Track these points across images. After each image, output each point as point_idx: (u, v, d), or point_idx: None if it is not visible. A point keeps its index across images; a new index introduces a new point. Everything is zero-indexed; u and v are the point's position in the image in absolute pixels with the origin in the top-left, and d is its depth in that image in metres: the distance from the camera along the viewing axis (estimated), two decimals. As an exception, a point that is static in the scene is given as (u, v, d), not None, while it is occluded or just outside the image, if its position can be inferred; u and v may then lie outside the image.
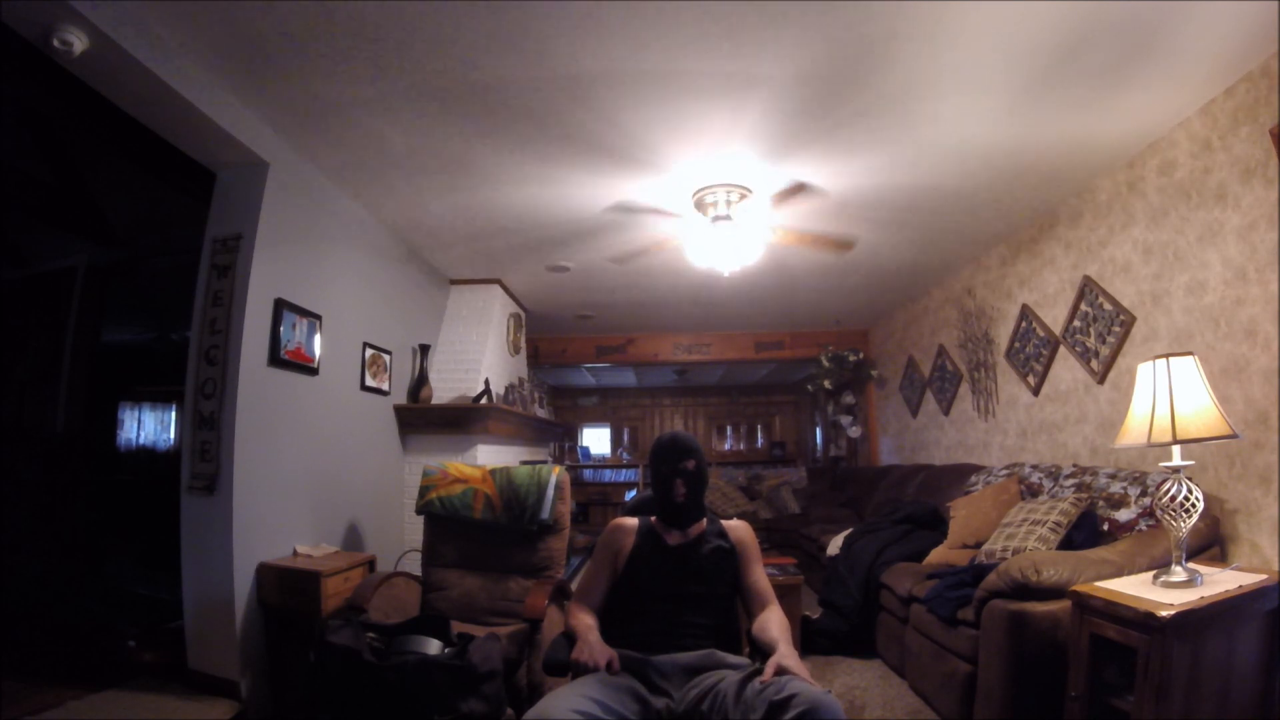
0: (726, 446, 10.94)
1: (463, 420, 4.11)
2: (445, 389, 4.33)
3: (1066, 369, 3.53)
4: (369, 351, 3.62)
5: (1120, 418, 2.34)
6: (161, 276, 4.10)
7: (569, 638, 1.66)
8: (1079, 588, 1.97)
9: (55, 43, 1.86)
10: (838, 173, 3.11)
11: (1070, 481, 2.99)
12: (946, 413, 5.05)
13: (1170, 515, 1.93)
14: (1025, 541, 2.62)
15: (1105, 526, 2.63)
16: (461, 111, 2.54)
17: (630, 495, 10.04)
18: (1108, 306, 3.15)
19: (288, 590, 2.55)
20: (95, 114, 2.41)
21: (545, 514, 2.82)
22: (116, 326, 4.83)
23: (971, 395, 4.63)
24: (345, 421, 3.38)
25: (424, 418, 4.08)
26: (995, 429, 4.31)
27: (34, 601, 3.46)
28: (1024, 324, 3.92)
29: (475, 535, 2.90)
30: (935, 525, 3.79)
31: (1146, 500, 2.51)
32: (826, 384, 6.72)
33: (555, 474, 2.91)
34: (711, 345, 7.04)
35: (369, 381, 3.62)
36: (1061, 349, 3.56)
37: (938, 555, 3.25)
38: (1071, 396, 3.48)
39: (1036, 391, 3.80)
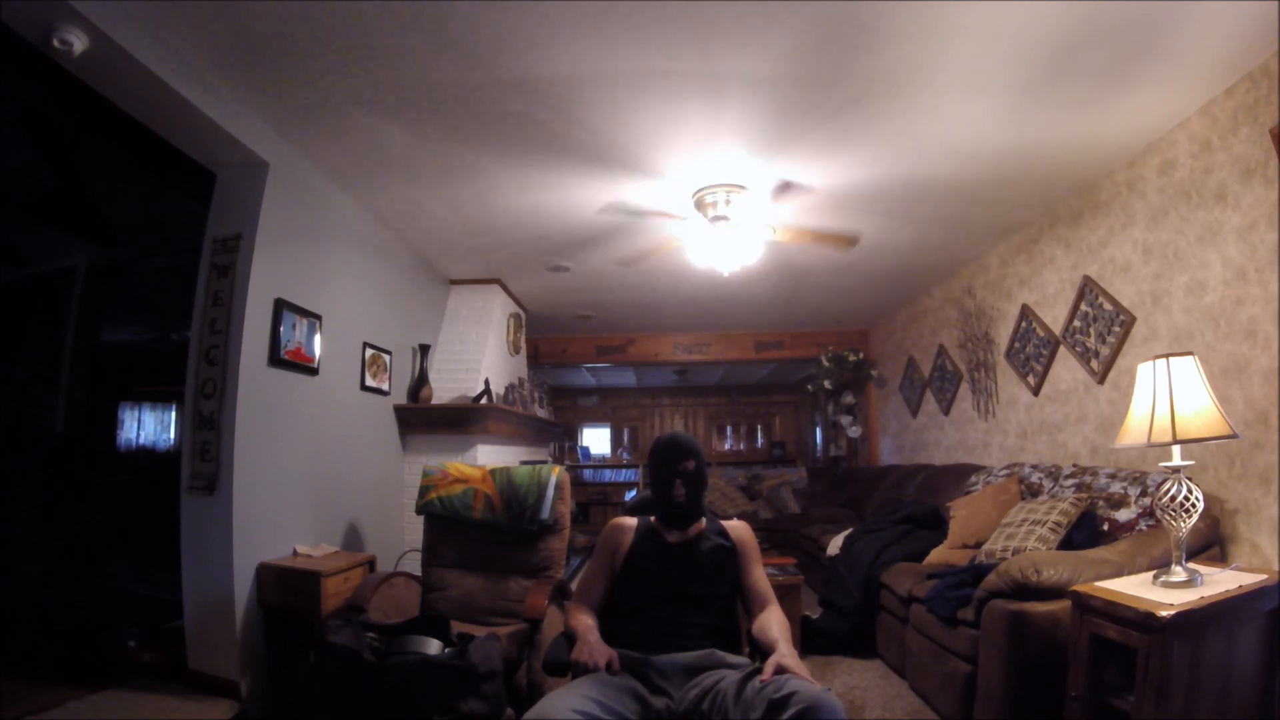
0: (726, 446, 10.95)
1: (463, 420, 4.11)
2: (445, 389, 4.33)
3: (1066, 369, 3.53)
4: (369, 351, 3.62)
5: (1120, 418, 2.34)
6: (161, 276, 4.10)
7: (569, 638, 1.66)
8: (1079, 588, 1.97)
9: (55, 43, 1.85)
10: (836, 174, 3.11)
11: (1070, 481, 2.99)
12: (946, 413, 5.05)
13: (1170, 515, 1.93)
14: (1025, 541, 2.62)
15: (1105, 526, 2.63)
16: (460, 112, 2.54)
17: (630, 495, 10.04)
18: (1108, 306, 3.15)
19: (288, 590, 2.55)
20: (95, 114, 2.41)
21: (545, 514, 2.82)
22: (116, 326, 4.83)
23: (971, 395, 4.63)
24: (345, 421, 3.38)
25: (424, 418, 4.08)
26: (995, 429, 4.31)
27: (34, 601, 3.46)
28: (1024, 324, 3.92)
29: (475, 535, 2.89)
30: (935, 525, 3.80)
31: (1146, 500, 2.51)
32: (826, 384, 6.72)
33: (555, 474, 2.91)
34: (711, 345, 7.04)
35: (369, 381, 3.62)
36: (1061, 349, 3.56)
37: (938, 555, 3.25)
38: (1071, 396, 3.48)
39: (1036, 391, 3.80)
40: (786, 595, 2.98)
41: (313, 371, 3.04)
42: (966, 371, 4.69)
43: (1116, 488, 2.69)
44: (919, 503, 4.26)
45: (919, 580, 2.94)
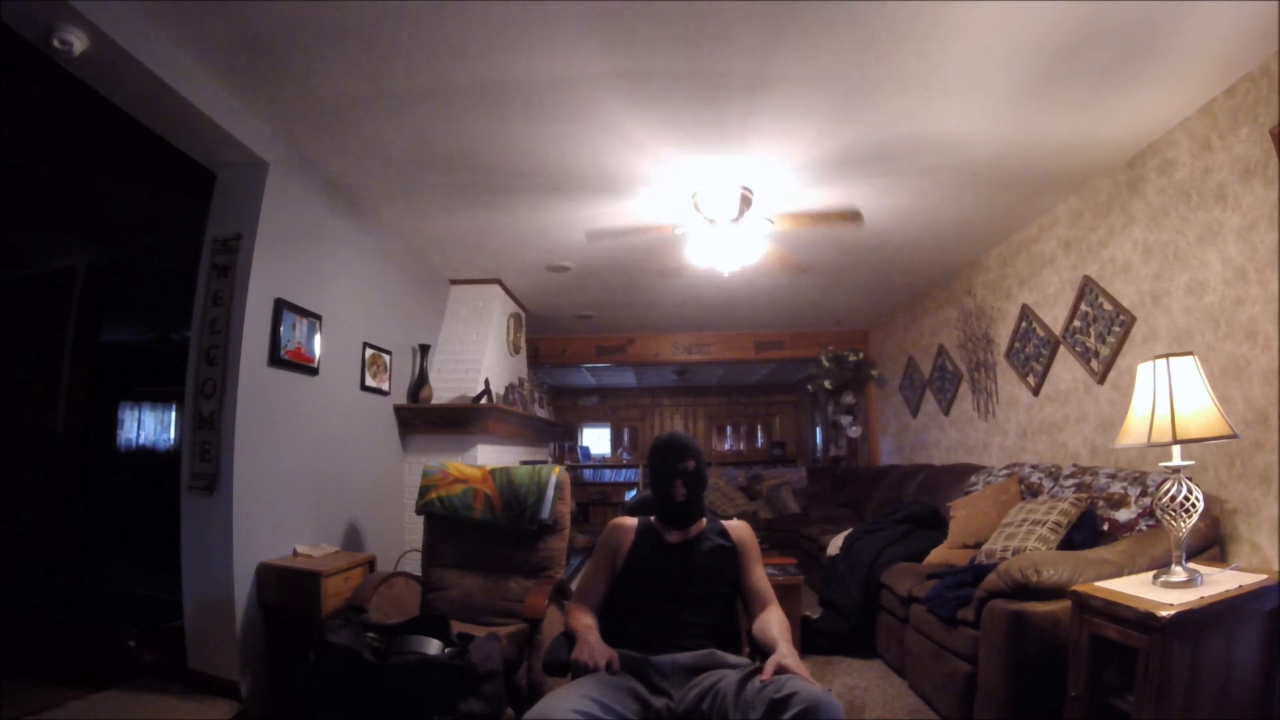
0: (726, 446, 10.94)
1: (463, 420, 4.11)
2: (445, 389, 4.33)
3: (1066, 369, 3.53)
4: (369, 351, 3.62)
5: (1120, 418, 2.34)
6: (161, 276, 4.10)
7: (569, 638, 1.66)
8: (1079, 588, 1.97)
9: (55, 43, 1.86)
10: (836, 175, 3.11)
11: (1070, 481, 2.99)
12: (946, 413, 5.05)
13: (1170, 515, 1.93)
14: (1025, 541, 2.62)
15: (1105, 526, 2.63)
16: (459, 112, 2.54)
17: (630, 495, 10.04)
18: (1108, 306, 3.15)
19: (288, 590, 2.55)
20: (95, 114, 2.41)
21: (545, 514, 2.82)
22: (116, 326, 4.83)
23: (971, 395, 4.63)
24: (345, 421, 3.38)
25: (424, 418, 4.08)
26: (995, 429, 4.31)
27: (34, 601, 3.46)
28: (1024, 324, 3.92)
29: (475, 535, 2.89)
30: (935, 525, 3.79)
31: (1146, 500, 2.51)
32: (826, 384, 6.72)
33: (555, 474, 2.91)
34: (711, 345, 7.04)
35: (369, 381, 3.62)
36: (1061, 349, 3.56)
37: (938, 555, 3.25)
38: (1071, 396, 3.48)
39: (1036, 391, 3.80)
40: (786, 595, 2.98)
41: (313, 371, 3.04)
42: (966, 371, 4.69)
43: (1116, 488, 2.69)
44: (919, 503, 4.26)
45: (919, 580, 2.94)
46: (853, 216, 3.54)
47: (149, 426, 5.49)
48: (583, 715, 1.34)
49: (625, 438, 11.00)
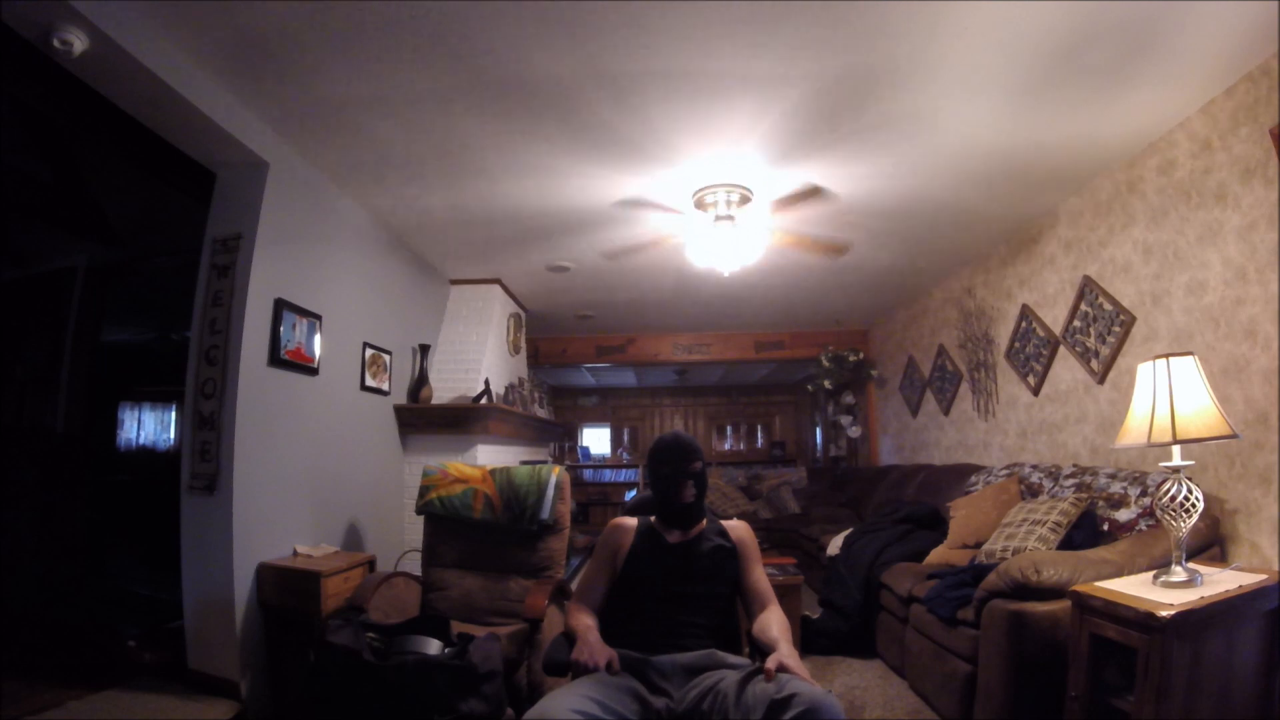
0: (726, 446, 10.94)
1: (463, 420, 4.11)
2: (445, 389, 4.34)
3: (1066, 369, 3.53)
4: (369, 351, 3.62)
5: (1120, 418, 2.34)
6: (162, 276, 4.10)
7: (569, 638, 1.66)
8: (1079, 588, 1.97)
9: (55, 43, 1.86)
10: (836, 173, 3.11)
11: (1070, 481, 2.99)
12: (946, 413, 5.05)
13: (1170, 515, 1.93)
14: (1025, 541, 2.62)
15: (1105, 526, 2.63)
16: (459, 112, 2.54)
17: (630, 495, 10.04)
18: (1108, 306, 3.15)
19: (288, 590, 2.55)
20: (95, 114, 2.41)
21: (545, 514, 2.82)
22: (116, 326, 4.83)
23: (971, 395, 4.63)
24: (345, 421, 3.38)
25: (424, 418, 4.08)
26: (995, 429, 4.31)
27: (34, 601, 3.46)
28: (1024, 324, 3.92)
29: (475, 535, 2.89)
30: (935, 525, 3.80)
31: (1146, 500, 2.51)
32: (826, 384, 6.72)
33: (555, 474, 2.91)
34: (711, 345, 7.04)
35: (369, 381, 3.62)
36: (1061, 349, 3.56)
37: (938, 555, 3.25)
38: (1071, 396, 3.48)
39: (1036, 391, 3.80)
40: (786, 595, 2.98)
41: (313, 371, 3.04)
42: (966, 371, 4.69)
43: (1116, 488, 2.69)
44: (919, 503, 4.26)
45: (919, 580, 2.94)
46: (840, 249, 3.71)
47: (149, 426, 5.49)
48: (583, 715, 1.34)
49: (625, 438, 11.00)
